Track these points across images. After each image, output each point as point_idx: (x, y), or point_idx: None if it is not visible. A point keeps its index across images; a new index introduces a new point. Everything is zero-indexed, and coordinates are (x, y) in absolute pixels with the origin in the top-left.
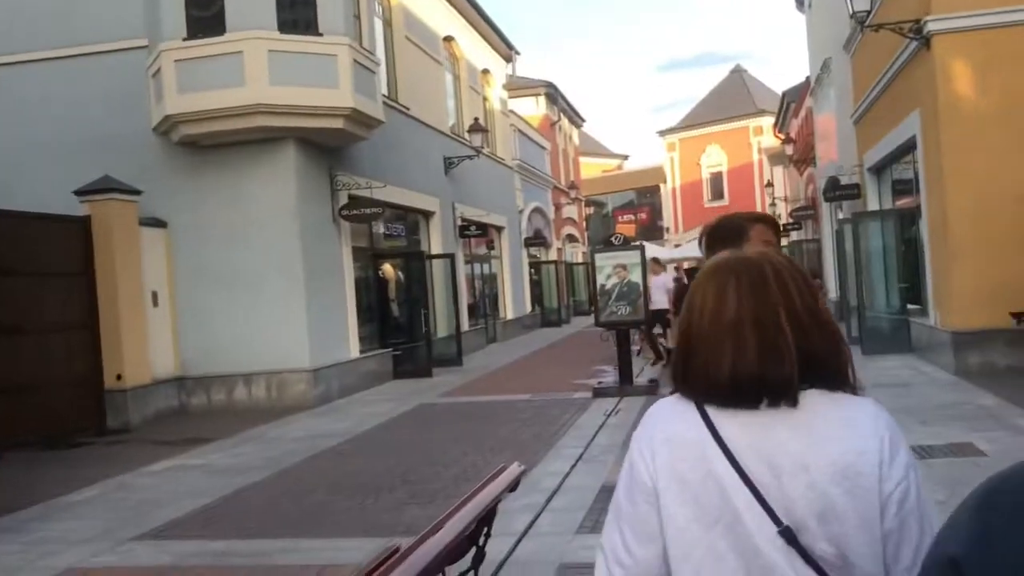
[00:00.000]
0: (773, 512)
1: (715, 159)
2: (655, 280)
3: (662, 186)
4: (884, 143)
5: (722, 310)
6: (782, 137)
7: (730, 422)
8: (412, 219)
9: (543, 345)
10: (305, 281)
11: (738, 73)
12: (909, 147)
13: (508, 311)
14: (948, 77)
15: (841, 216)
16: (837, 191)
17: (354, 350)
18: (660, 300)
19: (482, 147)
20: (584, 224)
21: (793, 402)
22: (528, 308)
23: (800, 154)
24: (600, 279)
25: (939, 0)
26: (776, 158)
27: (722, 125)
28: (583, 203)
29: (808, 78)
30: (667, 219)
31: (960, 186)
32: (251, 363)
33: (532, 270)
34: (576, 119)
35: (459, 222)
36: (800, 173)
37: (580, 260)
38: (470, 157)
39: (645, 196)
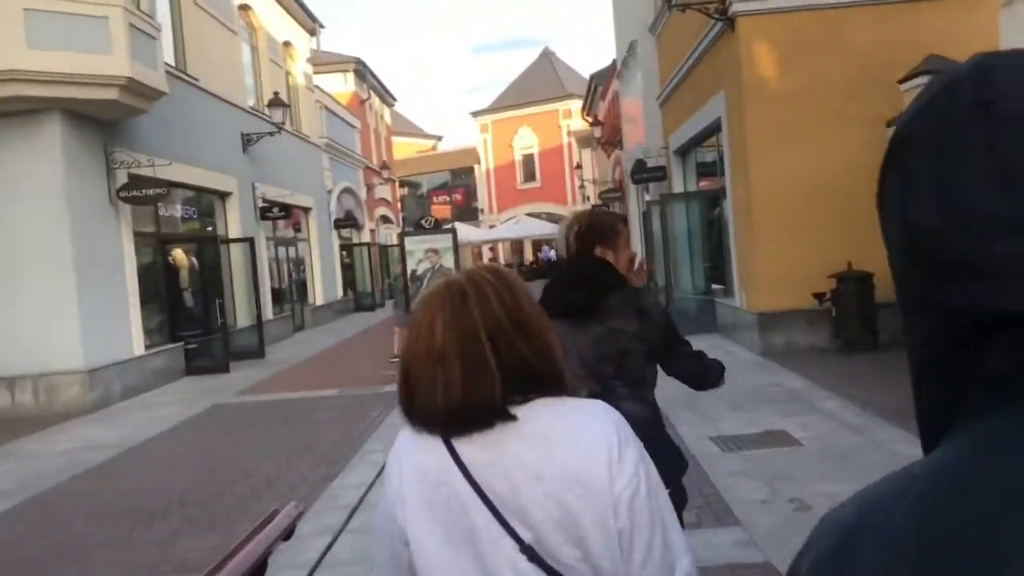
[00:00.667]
0: (511, 528)
1: (527, 141)
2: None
3: (476, 167)
4: (689, 125)
5: (431, 342)
6: (590, 120)
7: (469, 444)
8: (207, 200)
9: (355, 331)
10: (76, 270)
11: (547, 56)
12: (714, 129)
13: (318, 296)
14: (752, 59)
15: (648, 198)
16: (644, 173)
17: (138, 346)
18: None
19: (283, 123)
20: (399, 205)
21: (506, 419)
22: (340, 293)
23: (607, 137)
24: (411, 264)
25: None
26: (585, 141)
27: (532, 108)
28: (397, 183)
29: (615, 61)
30: (482, 200)
31: (764, 168)
32: (13, 365)
33: (344, 253)
34: (388, 98)
35: (260, 203)
36: (608, 155)
37: (395, 242)
38: (271, 134)
39: (460, 177)
